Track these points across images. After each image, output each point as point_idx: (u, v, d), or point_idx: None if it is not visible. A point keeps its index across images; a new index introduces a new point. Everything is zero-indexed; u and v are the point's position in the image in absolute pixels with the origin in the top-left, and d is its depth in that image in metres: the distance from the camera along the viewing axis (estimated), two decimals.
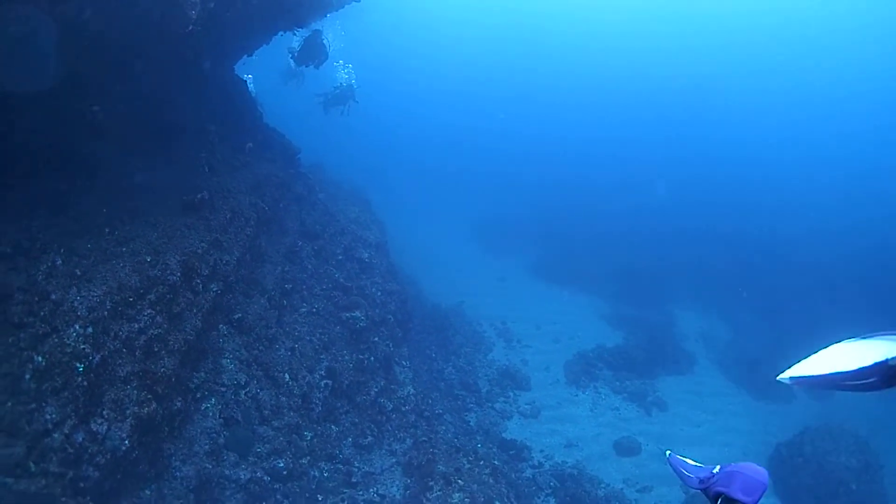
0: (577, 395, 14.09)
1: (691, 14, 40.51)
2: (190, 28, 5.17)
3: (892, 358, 2.21)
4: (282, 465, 7.86)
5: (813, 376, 2.46)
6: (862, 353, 2.35)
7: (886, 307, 18.49)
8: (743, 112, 40.33)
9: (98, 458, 5.32)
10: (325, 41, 11.68)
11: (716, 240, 23.14)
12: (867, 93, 38.96)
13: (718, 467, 2.46)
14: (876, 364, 2.26)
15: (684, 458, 2.78)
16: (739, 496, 2.24)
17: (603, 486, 11.11)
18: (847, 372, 2.31)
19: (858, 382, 2.30)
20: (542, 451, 11.91)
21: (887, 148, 34.41)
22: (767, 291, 20.02)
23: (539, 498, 10.63)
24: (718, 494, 2.32)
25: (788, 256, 22.19)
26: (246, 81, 10.65)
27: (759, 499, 2.26)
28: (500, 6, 45.69)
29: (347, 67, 14.18)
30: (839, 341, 2.51)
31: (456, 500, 7.94)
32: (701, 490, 2.49)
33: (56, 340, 5.14)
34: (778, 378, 2.61)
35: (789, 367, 2.55)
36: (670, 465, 2.79)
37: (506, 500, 8.46)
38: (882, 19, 33.62)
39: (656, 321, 17.73)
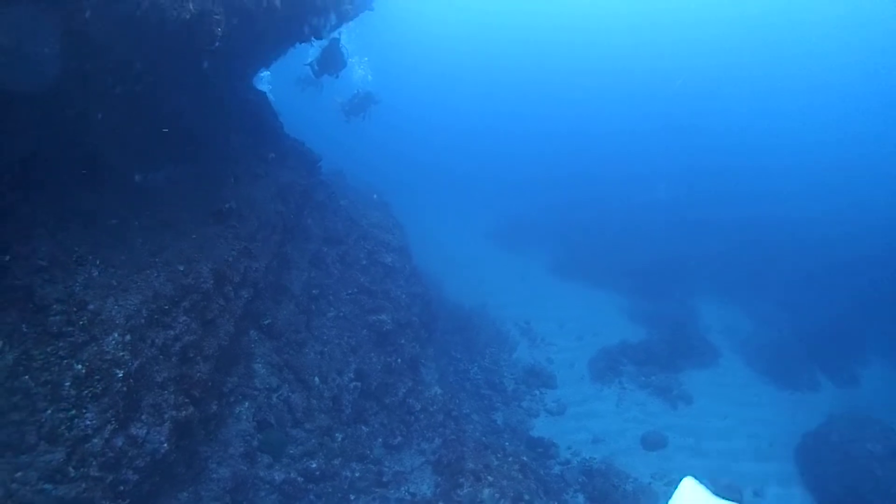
0: (602, 391, 14.15)
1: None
2: (217, 45, 5.35)
3: None
4: (314, 465, 8.05)
5: None
6: None
7: None
8: (752, 100, 40.10)
9: (137, 462, 5.50)
10: (342, 49, 11.87)
11: (733, 230, 23.04)
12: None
13: None
14: None
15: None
16: None
17: (631, 480, 11.15)
18: None
19: None
20: (569, 447, 11.99)
21: None
22: (788, 281, 19.95)
23: (568, 494, 10.71)
24: None
25: (806, 245, 22.06)
26: (266, 93, 10.86)
27: None
28: (511, 6, 45.72)
29: (363, 61, 14.33)
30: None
31: (486, 496, 8.06)
32: None
33: (95, 348, 5.34)
34: None
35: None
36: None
37: (535, 494, 8.56)
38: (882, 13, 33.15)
39: (678, 314, 17.70)
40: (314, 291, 10.57)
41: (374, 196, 16.39)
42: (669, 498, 10.66)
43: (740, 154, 33.75)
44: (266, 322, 8.76)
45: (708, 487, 11.06)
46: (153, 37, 4.95)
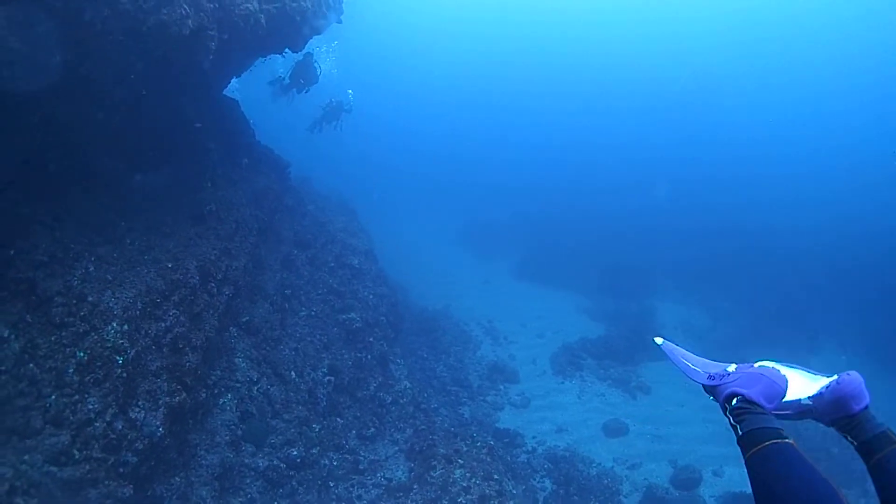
0: (563, 385, 14.78)
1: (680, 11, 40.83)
2: (211, 57, 5.80)
3: (807, 398, 2.18)
4: (295, 453, 8.44)
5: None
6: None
7: (854, 291, 19.55)
8: (721, 109, 41.11)
9: (136, 444, 5.87)
10: (315, 64, 12.34)
11: (692, 233, 24.07)
12: (848, 89, 39.77)
13: (734, 366, 2.36)
14: (793, 401, 2.22)
15: (681, 347, 2.66)
16: (761, 400, 2.12)
17: (595, 465, 11.73)
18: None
19: (776, 412, 2.21)
20: (534, 437, 12.52)
21: (866, 144, 35.35)
22: (744, 280, 20.97)
23: (535, 479, 11.24)
24: (734, 395, 2.19)
25: (764, 247, 23.21)
26: (237, 101, 11.26)
27: (777, 406, 2.18)
28: (481, 13, 46.12)
29: (332, 47, 14.71)
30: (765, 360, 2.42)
31: (458, 476, 8.56)
32: (707, 386, 2.39)
33: (96, 337, 5.72)
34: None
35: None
36: (665, 353, 2.67)
37: (503, 475, 9.09)
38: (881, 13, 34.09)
39: (637, 312, 18.50)
40: (287, 291, 10.98)
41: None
42: (631, 482, 11.36)
43: (702, 164, 34.86)
44: (244, 319, 9.17)
45: (667, 468, 11.80)
46: (154, 49, 5.38)
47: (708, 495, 11.23)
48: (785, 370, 2.34)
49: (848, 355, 17.73)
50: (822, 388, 2.14)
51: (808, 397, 2.19)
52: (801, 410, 2.24)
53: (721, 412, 2.24)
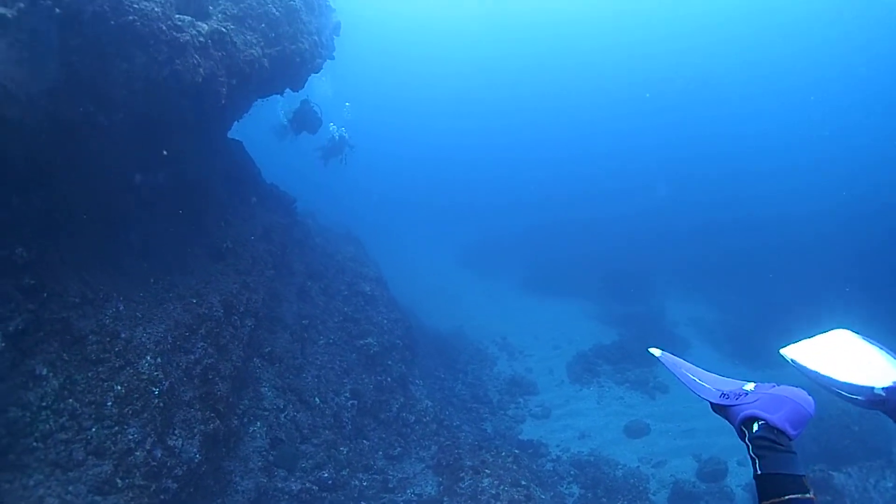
0: (582, 392, 14.94)
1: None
2: (223, 102, 6.18)
3: (881, 389, 1.94)
4: (326, 475, 8.68)
5: (807, 368, 2.19)
6: (859, 365, 2.07)
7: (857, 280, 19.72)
8: (716, 105, 41.14)
9: (176, 471, 6.13)
10: (315, 108, 12.79)
11: (693, 231, 24.31)
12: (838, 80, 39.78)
13: (753, 385, 2.11)
14: (866, 387, 1.98)
15: (681, 359, 2.43)
16: (787, 427, 1.86)
17: (620, 466, 11.85)
18: (837, 382, 2.06)
19: (843, 394, 2.05)
20: (558, 445, 12.66)
21: (862, 135, 35.44)
22: (749, 271, 21.17)
23: (562, 486, 11.37)
24: (754, 419, 1.94)
25: (766, 239, 23.44)
26: (241, 142, 11.67)
27: (847, 389, 2.00)
28: (469, 37, 46.47)
29: (342, 130, 15.16)
30: (845, 327, 2.31)
31: (486, 484, 8.76)
32: (716, 405, 2.16)
33: (131, 370, 6.01)
34: (781, 352, 2.33)
35: (793, 343, 2.38)
36: (665, 367, 2.43)
37: (530, 481, 9.28)
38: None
39: (646, 314, 18.69)
40: (304, 321, 11.26)
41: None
42: (658, 479, 11.48)
43: (699, 160, 35.04)
44: (266, 349, 9.44)
45: (692, 463, 11.91)
46: (170, 96, 5.76)
47: (735, 485, 11.33)
48: (861, 345, 2.18)
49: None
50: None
51: (884, 387, 1.95)
52: (872, 400, 1.99)
53: (736, 435, 2.02)
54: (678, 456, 12.24)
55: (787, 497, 1.74)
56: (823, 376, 2.15)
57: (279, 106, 12.86)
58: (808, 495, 1.74)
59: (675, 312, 19.43)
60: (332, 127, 14.87)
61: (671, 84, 40.96)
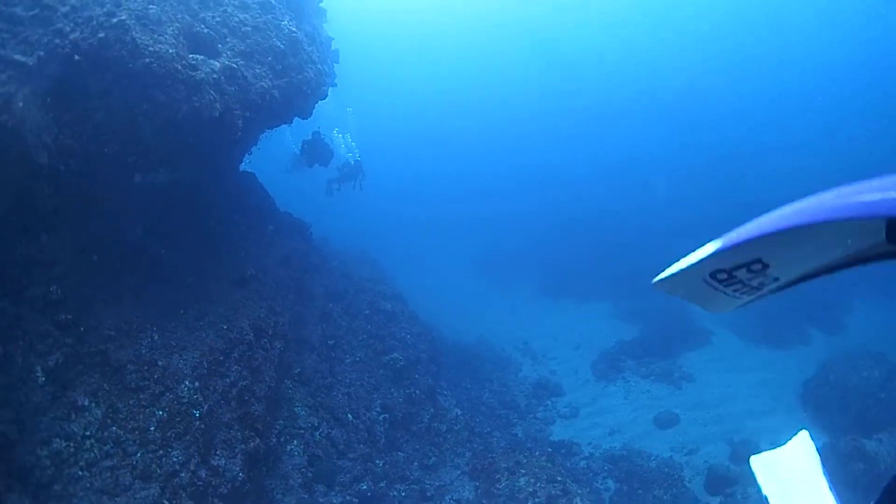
0: (608, 389, 15.05)
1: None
2: (239, 135, 6.50)
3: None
4: (364, 488, 8.86)
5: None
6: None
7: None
8: (715, 100, 40.77)
9: (221, 489, 6.36)
10: (326, 140, 13.15)
11: (705, 221, 24.35)
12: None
13: None
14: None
15: None
16: None
17: (653, 458, 11.91)
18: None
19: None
20: (589, 443, 12.76)
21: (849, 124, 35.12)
22: None
23: (598, 482, 11.48)
24: None
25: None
26: (253, 173, 12.01)
27: None
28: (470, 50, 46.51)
29: (346, 137, 15.50)
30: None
31: (522, 483, 8.93)
32: None
33: (171, 396, 6.27)
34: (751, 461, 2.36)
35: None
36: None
37: (566, 477, 9.42)
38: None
39: (664, 307, 18.78)
40: (330, 342, 11.51)
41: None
42: (692, 466, 11.56)
43: (707, 149, 34.95)
44: (296, 371, 9.69)
45: (725, 447, 11.98)
46: (189, 132, 6.08)
47: None
48: (816, 472, 2.16)
49: (881, 305, 17.82)
50: None
51: None
52: None
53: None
54: (710, 442, 12.31)
55: None
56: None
57: (288, 137, 13.21)
58: None
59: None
60: (348, 154, 15.19)
61: (671, 82, 40.86)
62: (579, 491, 9.29)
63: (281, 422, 8.60)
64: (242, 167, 12.01)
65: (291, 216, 13.62)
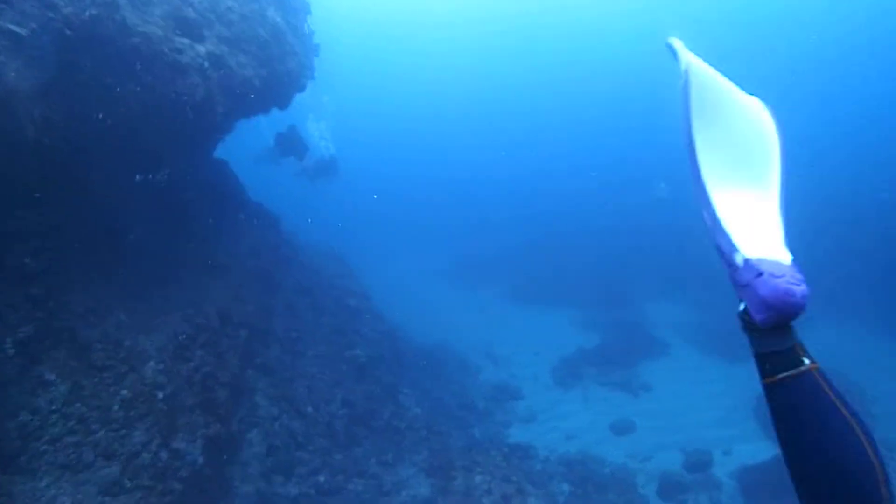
0: (567, 395, 15.28)
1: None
2: (219, 121, 6.54)
3: (743, 257, 1.78)
4: (322, 479, 8.92)
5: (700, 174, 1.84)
6: (751, 216, 1.84)
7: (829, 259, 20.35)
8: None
9: (181, 472, 6.38)
10: (302, 134, 13.13)
11: (670, 233, 24.81)
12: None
13: (742, 259, 1.80)
14: (734, 245, 1.82)
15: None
16: (767, 321, 1.76)
17: (608, 463, 12.15)
18: (719, 224, 1.79)
19: (712, 232, 1.86)
20: (546, 446, 12.92)
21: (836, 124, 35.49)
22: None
23: (552, 485, 11.65)
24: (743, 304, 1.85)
25: None
26: (226, 161, 11.96)
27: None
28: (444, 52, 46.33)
29: (321, 128, 15.47)
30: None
31: (478, 481, 9.08)
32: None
33: (136, 376, 6.28)
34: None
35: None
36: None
37: (521, 477, 9.59)
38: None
39: (628, 318, 19.14)
40: (294, 334, 11.52)
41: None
42: (646, 473, 11.83)
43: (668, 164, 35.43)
44: (259, 361, 9.70)
45: (679, 456, 12.28)
46: (171, 115, 6.11)
47: (721, 474, 11.68)
48: (774, 197, 1.94)
49: (835, 323, 18.40)
50: None
51: (745, 258, 1.85)
52: (728, 261, 1.91)
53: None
54: (664, 450, 12.59)
55: (785, 375, 1.72)
56: (711, 205, 1.86)
57: (263, 126, 13.18)
58: (804, 368, 1.70)
59: (657, 315, 19.87)
60: (322, 142, 15.16)
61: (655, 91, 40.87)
62: (534, 491, 9.47)
63: (243, 410, 8.62)
64: (215, 154, 11.98)
65: (262, 206, 13.59)
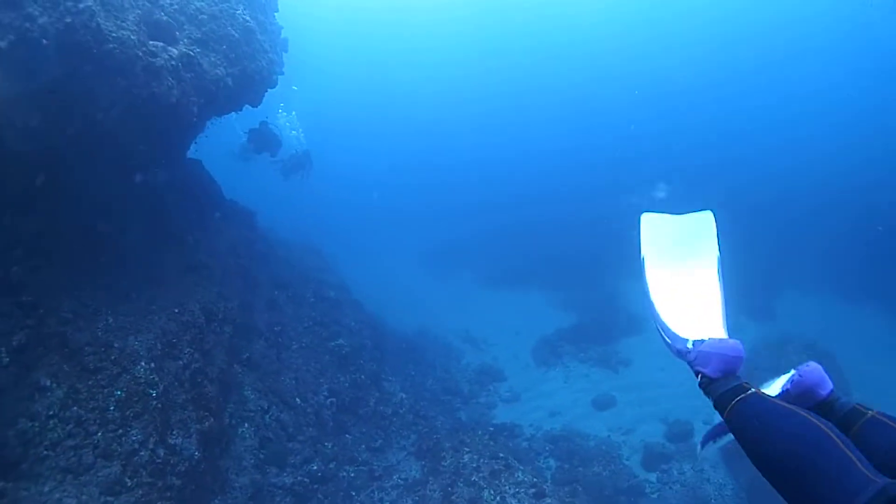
0: (548, 374, 15.65)
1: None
2: (194, 120, 6.62)
3: (691, 343, 2.50)
4: (315, 468, 9.11)
5: (648, 289, 2.77)
6: (690, 307, 2.61)
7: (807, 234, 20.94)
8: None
9: (179, 468, 6.52)
10: (274, 130, 13.17)
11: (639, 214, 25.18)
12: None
13: (691, 343, 2.46)
14: (680, 338, 2.52)
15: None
16: (718, 376, 2.26)
17: (592, 437, 12.51)
18: (662, 322, 2.65)
19: (659, 331, 2.64)
20: (531, 425, 13.25)
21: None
22: None
23: (539, 461, 11.98)
24: (697, 371, 2.34)
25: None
26: (200, 161, 11.99)
27: (739, 368, 2.28)
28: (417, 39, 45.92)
29: (291, 117, 15.49)
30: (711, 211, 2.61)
31: (467, 460, 9.31)
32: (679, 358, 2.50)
33: (128, 377, 6.38)
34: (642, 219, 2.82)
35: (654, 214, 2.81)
36: (654, 320, 2.71)
37: (508, 453, 9.86)
38: None
39: (603, 296, 19.52)
40: (276, 328, 11.64)
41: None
42: (629, 445, 12.17)
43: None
44: (245, 356, 9.83)
45: (660, 427, 12.65)
46: (148, 121, 6.20)
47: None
48: (712, 279, 2.58)
49: (811, 295, 18.99)
50: (785, 385, 2.27)
51: (776, 396, 2.25)
52: (679, 350, 2.48)
53: (698, 396, 2.40)
54: (646, 422, 12.99)
55: (735, 401, 2.07)
56: (654, 308, 2.62)
57: (234, 124, 13.19)
58: (750, 391, 2.08)
59: (631, 292, 20.30)
60: (293, 132, 15.17)
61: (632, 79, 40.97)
62: (521, 467, 9.74)
63: (232, 405, 8.75)
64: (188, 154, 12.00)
65: (237, 204, 13.65)
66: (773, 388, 2.34)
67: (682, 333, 2.52)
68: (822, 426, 1.75)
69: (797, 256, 20.38)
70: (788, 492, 1.72)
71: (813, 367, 2.19)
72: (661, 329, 2.65)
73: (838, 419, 2.03)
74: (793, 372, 2.25)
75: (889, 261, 19.09)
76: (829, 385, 2.16)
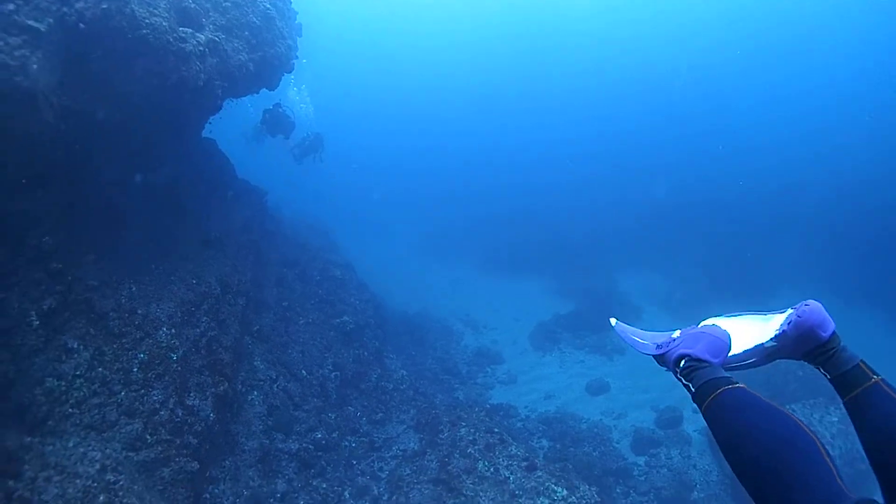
0: (545, 358, 16.11)
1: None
2: (219, 103, 7.01)
3: (769, 340, 2.15)
4: (319, 436, 9.59)
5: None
6: (739, 336, 2.28)
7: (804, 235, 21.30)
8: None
9: (196, 427, 6.99)
10: (287, 112, 13.51)
11: (644, 205, 25.65)
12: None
13: (679, 332, 2.36)
14: (757, 347, 2.20)
15: (632, 326, 2.63)
16: (706, 356, 2.11)
17: (584, 420, 12.95)
18: (734, 356, 2.26)
19: (742, 364, 2.26)
20: (526, 406, 13.71)
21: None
22: (696, 243, 22.69)
23: (533, 441, 12.44)
24: (681, 357, 2.18)
25: (711, 211, 25.10)
26: (214, 140, 12.36)
27: (725, 359, 2.18)
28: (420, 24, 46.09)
29: (302, 91, 15.76)
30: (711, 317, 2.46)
31: (463, 433, 9.77)
32: (658, 356, 2.37)
33: (151, 341, 6.85)
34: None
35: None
36: (618, 334, 2.65)
37: (502, 430, 10.33)
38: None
39: (601, 286, 19.96)
40: (284, 304, 12.12)
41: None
42: (620, 429, 12.63)
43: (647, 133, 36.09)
44: (255, 328, 10.30)
45: (650, 413, 13.11)
46: (175, 100, 6.61)
47: (690, 430, 12.53)
48: (730, 322, 2.36)
49: (810, 296, 19.34)
50: (782, 325, 2.11)
51: (771, 339, 2.16)
52: (767, 354, 2.20)
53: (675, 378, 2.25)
54: (637, 408, 13.45)
55: (719, 391, 1.92)
56: (731, 355, 2.28)
57: (248, 105, 13.53)
58: (738, 385, 1.93)
59: (630, 283, 20.77)
60: (302, 108, 15.38)
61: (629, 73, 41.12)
62: (515, 442, 10.21)
63: (243, 373, 9.23)
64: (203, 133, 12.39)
65: (249, 183, 14.06)
66: (769, 328, 2.20)
67: (656, 339, 2.48)
68: (809, 432, 1.72)
69: (796, 257, 20.82)
70: (759, 490, 1.69)
71: (814, 307, 2.04)
72: (639, 338, 2.59)
73: (839, 373, 1.96)
74: (790, 311, 2.11)
75: (888, 263, 19.49)
76: (832, 325, 2.02)
